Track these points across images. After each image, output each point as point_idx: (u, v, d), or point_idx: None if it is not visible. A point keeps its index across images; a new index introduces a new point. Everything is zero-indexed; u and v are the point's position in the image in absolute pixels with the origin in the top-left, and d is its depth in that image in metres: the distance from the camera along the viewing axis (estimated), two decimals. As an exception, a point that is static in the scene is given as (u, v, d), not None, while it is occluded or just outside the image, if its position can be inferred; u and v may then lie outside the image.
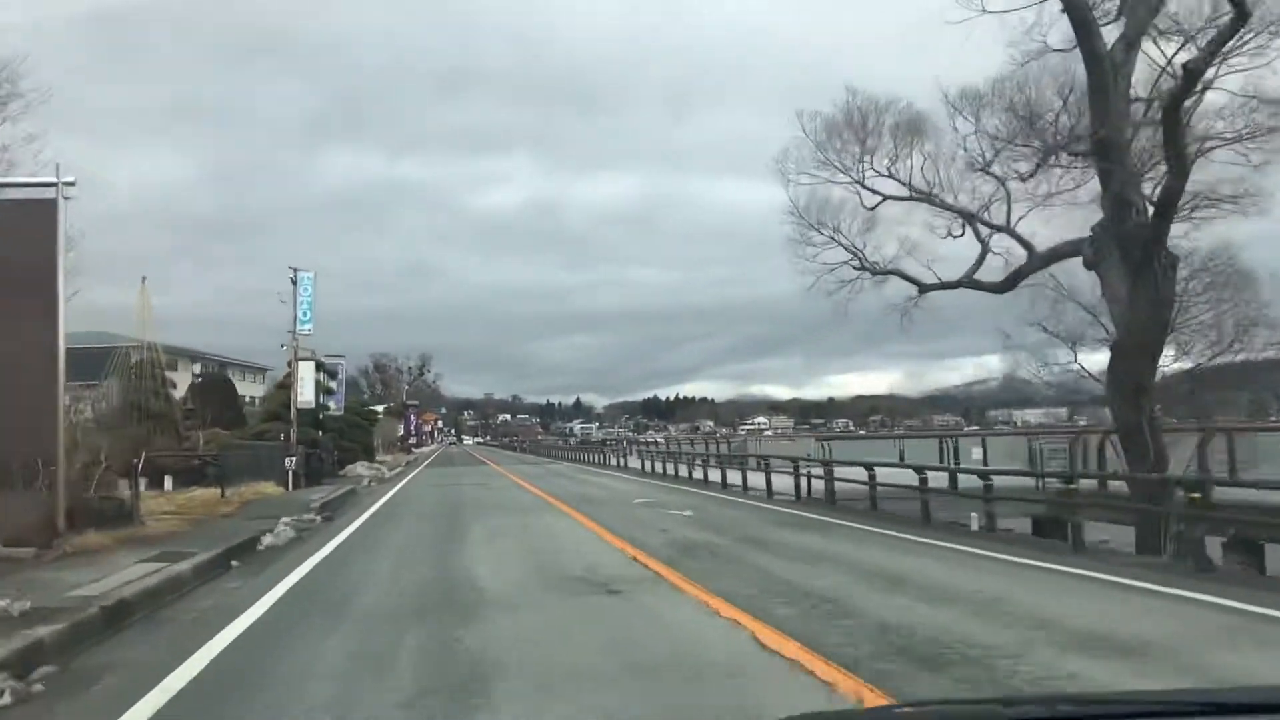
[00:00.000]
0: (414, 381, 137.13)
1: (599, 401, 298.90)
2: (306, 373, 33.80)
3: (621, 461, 43.92)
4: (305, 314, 33.37)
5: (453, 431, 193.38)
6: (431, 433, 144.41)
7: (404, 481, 35.48)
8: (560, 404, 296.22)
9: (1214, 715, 1.85)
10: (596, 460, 50.77)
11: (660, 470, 35.54)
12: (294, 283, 33.44)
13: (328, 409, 38.59)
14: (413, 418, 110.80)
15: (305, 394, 33.65)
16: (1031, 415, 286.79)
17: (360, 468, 39.38)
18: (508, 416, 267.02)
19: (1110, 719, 1.94)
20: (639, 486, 28.30)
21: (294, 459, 30.05)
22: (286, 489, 29.86)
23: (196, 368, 45.11)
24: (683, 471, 32.95)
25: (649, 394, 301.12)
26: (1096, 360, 22.04)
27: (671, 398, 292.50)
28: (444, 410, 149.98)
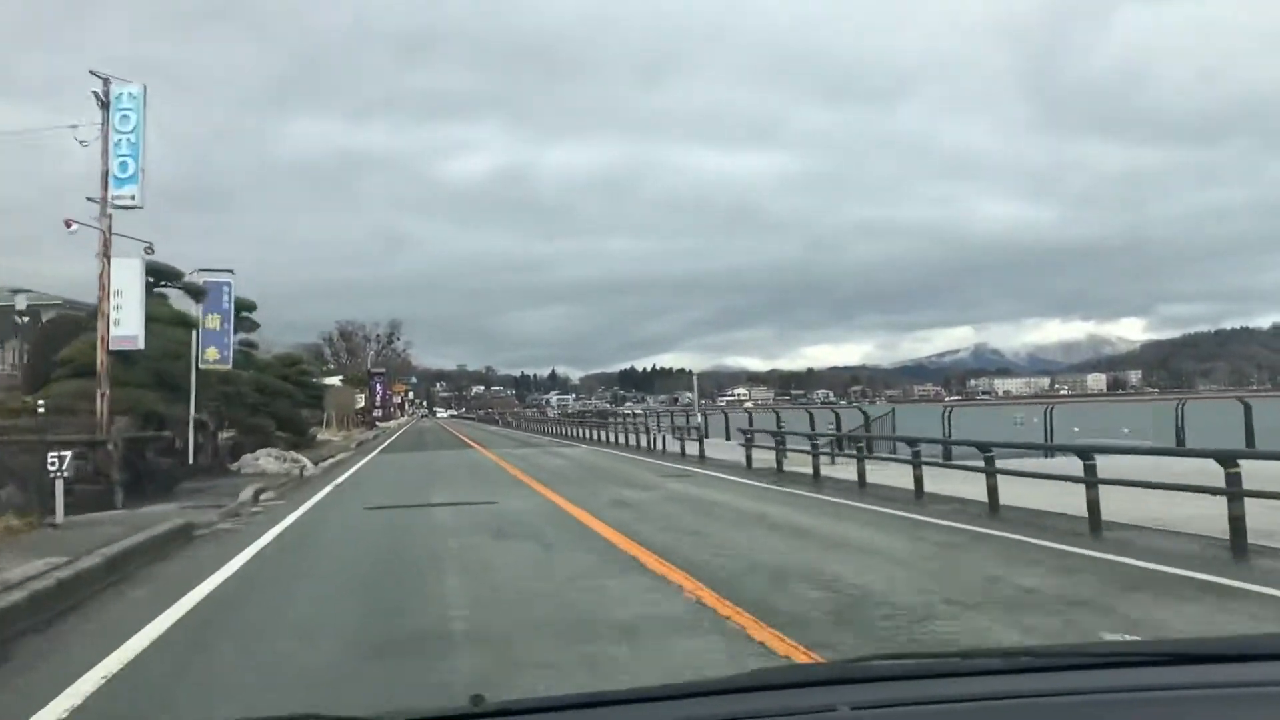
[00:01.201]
0: (383, 350, 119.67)
1: (574, 373, 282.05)
2: (128, 281, 16.57)
3: (684, 447, 26.59)
4: (125, 166, 16.10)
5: (424, 404, 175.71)
6: (402, 405, 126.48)
7: (326, 491, 18.30)
8: (535, 376, 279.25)
9: (1177, 664, 1.68)
10: (628, 441, 33.50)
11: (797, 473, 18.85)
12: (104, 105, 16.12)
13: (209, 359, 21.28)
14: (379, 387, 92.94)
15: (126, 324, 16.48)
16: (1011, 385, 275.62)
17: (266, 460, 22.25)
18: (482, 388, 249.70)
19: (1069, 670, 1.70)
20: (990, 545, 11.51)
21: (65, 459, 12.94)
22: (53, 521, 12.86)
23: (21, 302, 27.49)
24: (844, 475, 16.61)
25: (625, 365, 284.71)
26: None
27: (648, 369, 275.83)
28: (415, 380, 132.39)
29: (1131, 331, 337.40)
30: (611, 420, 47.42)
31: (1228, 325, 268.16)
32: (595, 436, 42.05)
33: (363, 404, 71.56)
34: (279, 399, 29.86)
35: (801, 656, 5.36)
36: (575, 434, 46.53)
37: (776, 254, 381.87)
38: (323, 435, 43.63)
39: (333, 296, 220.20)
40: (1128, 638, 5.63)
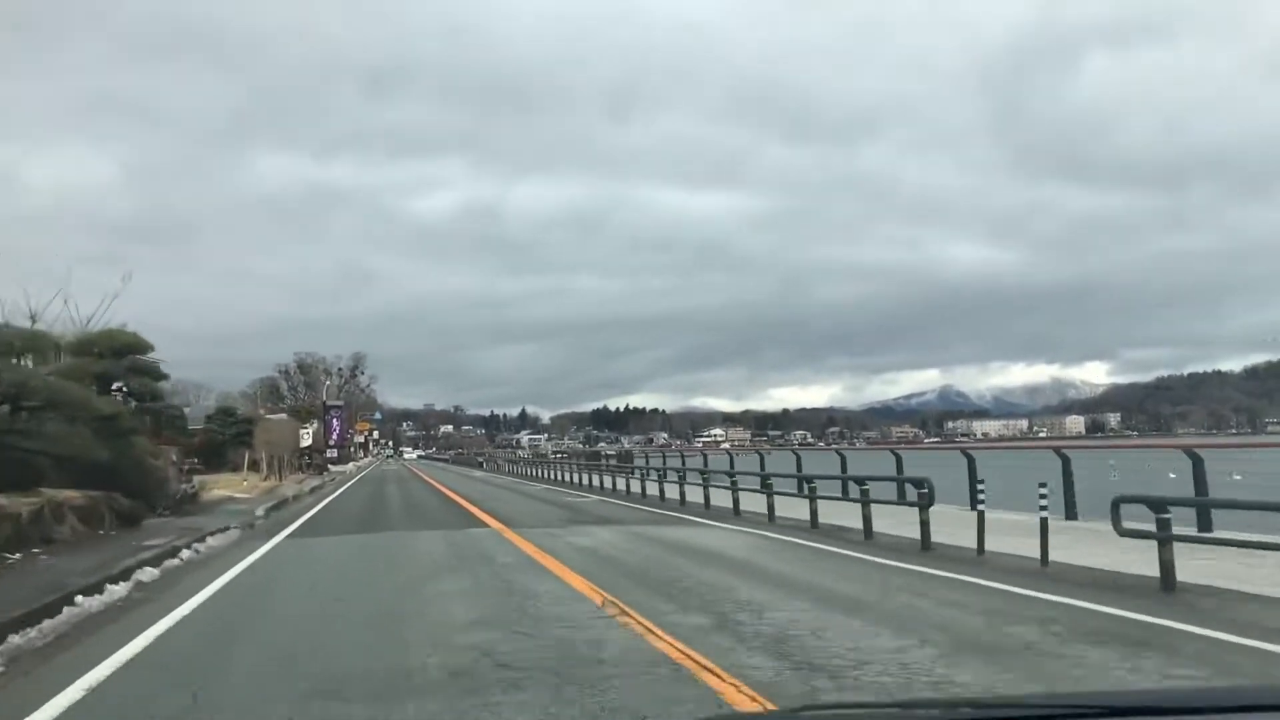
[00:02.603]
0: (345, 385, 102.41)
1: (544, 413, 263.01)
2: None
3: (871, 525, 10.57)
4: None
5: (390, 444, 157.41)
6: (365, 444, 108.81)
7: None
8: (505, 415, 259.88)
9: (1117, 717, 1.62)
10: (707, 502, 17.38)
11: None
12: None
13: None
14: (335, 424, 75.52)
15: None
16: (990, 427, 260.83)
17: None
18: (450, 428, 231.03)
19: None
20: None
21: None
22: None
23: None
24: None
25: (597, 405, 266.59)
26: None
27: (621, 409, 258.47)
28: (379, 417, 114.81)
29: (1095, 375, 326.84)
30: (653, 466, 31.55)
31: (1195, 369, 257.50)
32: (642, 489, 26.15)
33: (310, 442, 54.61)
34: (67, 419, 13.47)
35: None
36: (607, 484, 30.60)
37: (744, 294, 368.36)
38: (225, 489, 27.02)
39: (297, 333, 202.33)
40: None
